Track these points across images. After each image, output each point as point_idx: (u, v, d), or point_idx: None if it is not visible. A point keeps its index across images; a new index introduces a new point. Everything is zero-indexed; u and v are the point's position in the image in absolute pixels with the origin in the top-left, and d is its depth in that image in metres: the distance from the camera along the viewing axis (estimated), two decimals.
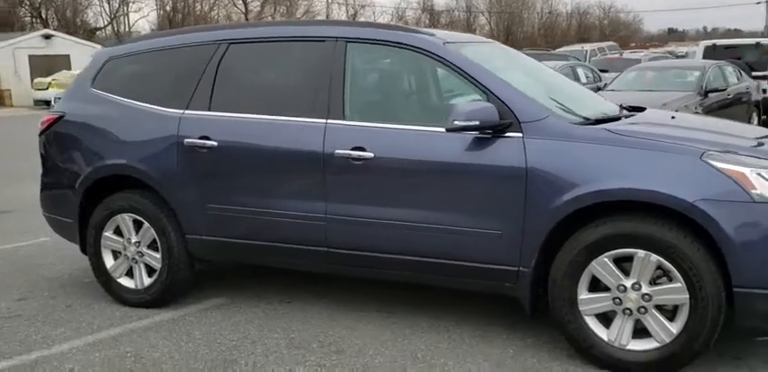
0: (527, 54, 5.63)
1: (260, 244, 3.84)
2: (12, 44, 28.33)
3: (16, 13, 41.96)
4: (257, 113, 3.83)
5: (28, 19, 43.40)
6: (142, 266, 4.15)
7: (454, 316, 3.88)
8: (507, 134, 3.31)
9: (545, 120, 3.31)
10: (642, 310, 3.10)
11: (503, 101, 3.35)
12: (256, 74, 4.06)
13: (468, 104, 3.34)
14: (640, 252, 3.07)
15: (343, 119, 3.63)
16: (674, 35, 77.73)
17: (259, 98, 3.93)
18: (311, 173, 3.65)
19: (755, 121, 11.73)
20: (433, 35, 3.71)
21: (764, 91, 12.72)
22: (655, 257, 3.05)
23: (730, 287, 2.97)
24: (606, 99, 4.40)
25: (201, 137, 3.88)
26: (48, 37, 29.77)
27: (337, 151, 3.57)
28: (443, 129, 3.38)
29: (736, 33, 55.63)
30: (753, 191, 2.93)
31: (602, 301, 3.19)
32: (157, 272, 4.09)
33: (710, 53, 14.10)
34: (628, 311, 3.13)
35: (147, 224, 4.08)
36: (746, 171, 2.98)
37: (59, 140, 4.39)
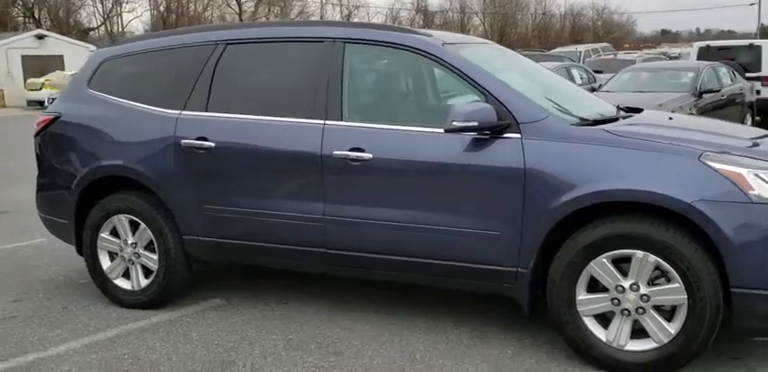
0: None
1: (258, 245, 3.83)
2: (4, 44, 28.21)
3: (9, 13, 41.81)
4: (255, 114, 3.82)
5: (21, 19, 43.24)
6: (139, 267, 4.13)
7: (452, 317, 3.88)
8: (506, 135, 3.31)
9: (543, 121, 3.31)
10: (640, 310, 3.11)
11: (501, 102, 3.35)
12: (254, 74, 4.05)
13: (467, 105, 3.34)
14: (638, 253, 3.08)
15: (341, 119, 3.63)
16: (667, 36, 78.01)
17: (256, 99, 3.92)
18: (309, 174, 3.65)
19: (749, 122, 11.78)
20: (431, 36, 3.71)
21: (758, 92, 12.78)
22: (653, 258, 3.05)
23: (728, 287, 2.98)
24: (603, 100, 4.40)
25: (199, 138, 3.87)
26: (41, 37, 29.67)
27: (335, 152, 3.56)
28: (442, 130, 3.38)
29: (730, 34, 55.92)
30: (750, 192, 2.94)
31: (600, 302, 3.19)
32: (154, 273, 4.08)
33: (704, 54, 14.16)
34: (626, 311, 3.13)
35: (143, 225, 4.06)
36: (744, 172, 2.99)
37: (55, 141, 4.37)
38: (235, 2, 51.78)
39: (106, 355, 3.52)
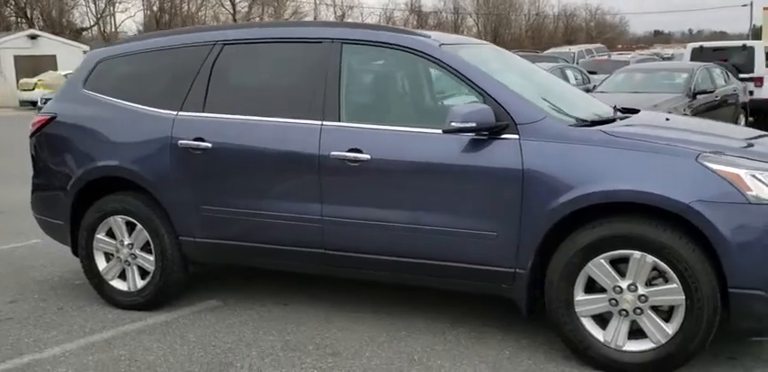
0: None
1: (255, 246, 3.82)
2: None
3: (1, 12, 41.62)
4: (252, 115, 3.81)
5: (13, 19, 43.04)
6: (135, 268, 4.12)
7: (450, 318, 3.88)
8: (504, 136, 3.32)
9: (541, 122, 3.31)
10: (638, 311, 3.12)
11: (499, 103, 3.36)
12: (251, 75, 4.04)
13: (465, 106, 3.34)
14: (636, 254, 3.08)
15: (339, 120, 3.63)
16: (659, 37, 78.35)
17: (254, 99, 3.91)
18: (307, 175, 3.64)
19: (742, 123, 11.83)
20: (428, 37, 3.71)
21: (751, 93, 12.84)
22: (651, 258, 3.06)
23: (725, 288, 2.99)
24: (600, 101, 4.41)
25: (196, 139, 3.86)
26: (33, 37, 29.56)
27: (333, 153, 3.56)
28: (440, 131, 3.38)
29: (722, 35, 56.19)
30: (748, 193, 2.95)
31: (598, 302, 3.20)
32: (151, 275, 4.06)
33: (698, 55, 14.22)
34: (624, 312, 3.14)
35: (140, 226, 4.05)
36: (741, 172, 3.00)
37: (51, 142, 4.35)
38: (228, 2, 51.71)
39: (103, 356, 3.51)
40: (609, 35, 64.60)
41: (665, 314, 3.12)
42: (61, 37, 32.81)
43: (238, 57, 4.00)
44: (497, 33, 59.94)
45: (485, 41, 4.63)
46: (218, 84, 3.95)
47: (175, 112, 3.96)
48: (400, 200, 3.49)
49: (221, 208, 3.84)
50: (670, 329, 3.08)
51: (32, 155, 4.48)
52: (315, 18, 48.48)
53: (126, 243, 4.11)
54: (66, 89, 4.51)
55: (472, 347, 3.53)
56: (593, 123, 3.52)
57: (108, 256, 4.20)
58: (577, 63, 19.86)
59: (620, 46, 51.14)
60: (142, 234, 4.05)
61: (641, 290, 3.10)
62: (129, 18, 74.53)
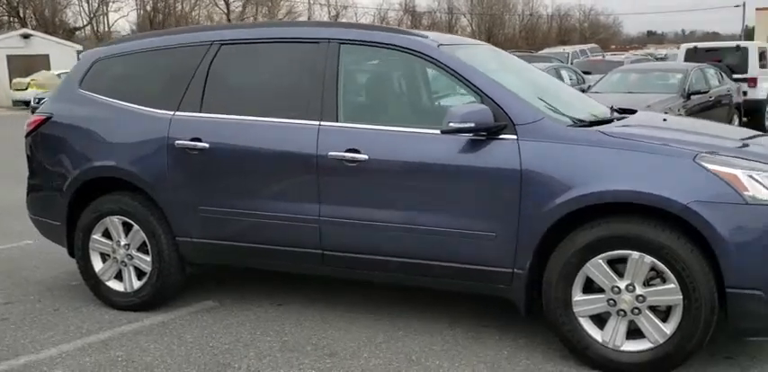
0: None
1: (252, 247, 3.81)
2: None
3: None
4: (249, 115, 3.80)
5: (5, 18, 42.86)
6: (132, 269, 4.10)
7: (447, 318, 3.88)
8: (502, 136, 3.32)
9: (539, 123, 3.32)
10: (636, 311, 3.12)
11: (497, 104, 3.36)
12: (248, 75, 4.03)
13: (463, 106, 3.34)
14: (634, 254, 3.09)
15: (337, 120, 3.62)
16: (653, 37, 78.65)
17: (251, 99, 3.90)
18: (304, 175, 3.63)
19: (736, 123, 11.88)
20: (426, 37, 3.70)
21: (745, 93, 12.89)
22: (648, 258, 3.07)
23: (723, 288, 3.00)
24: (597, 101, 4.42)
25: (193, 139, 3.85)
26: (26, 36, 29.43)
27: (331, 153, 3.55)
28: (438, 131, 3.38)
29: (715, 36, 56.45)
30: (745, 193, 2.96)
31: (596, 302, 3.20)
32: (147, 275, 4.05)
33: (692, 56, 14.25)
34: (622, 312, 3.15)
35: (136, 226, 4.03)
36: (739, 173, 3.01)
37: (47, 142, 4.33)
38: (222, 2, 51.63)
39: (99, 357, 3.49)
40: (602, 35, 64.82)
41: (663, 314, 3.13)
42: (54, 36, 32.70)
43: (235, 57, 3.98)
44: (491, 33, 60.02)
45: (482, 42, 4.63)
46: (215, 84, 3.94)
47: (172, 112, 3.95)
48: (398, 201, 3.49)
49: (219, 208, 3.83)
50: (668, 329, 3.09)
51: (28, 156, 4.46)
52: (309, 18, 48.46)
53: (122, 243, 4.09)
54: (63, 89, 4.49)
55: (470, 347, 3.53)
56: (591, 123, 3.53)
57: (104, 257, 4.18)
58: (572, 63, 19.89)
59: (613, 46, 51.33)
60: (139, 234, 4.03)
61: (639, 290, 3.11)
62: (123, 17, 74.42)
